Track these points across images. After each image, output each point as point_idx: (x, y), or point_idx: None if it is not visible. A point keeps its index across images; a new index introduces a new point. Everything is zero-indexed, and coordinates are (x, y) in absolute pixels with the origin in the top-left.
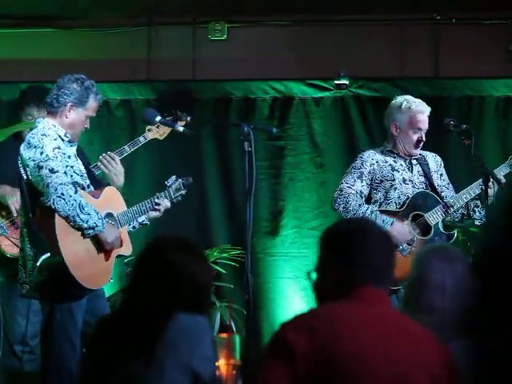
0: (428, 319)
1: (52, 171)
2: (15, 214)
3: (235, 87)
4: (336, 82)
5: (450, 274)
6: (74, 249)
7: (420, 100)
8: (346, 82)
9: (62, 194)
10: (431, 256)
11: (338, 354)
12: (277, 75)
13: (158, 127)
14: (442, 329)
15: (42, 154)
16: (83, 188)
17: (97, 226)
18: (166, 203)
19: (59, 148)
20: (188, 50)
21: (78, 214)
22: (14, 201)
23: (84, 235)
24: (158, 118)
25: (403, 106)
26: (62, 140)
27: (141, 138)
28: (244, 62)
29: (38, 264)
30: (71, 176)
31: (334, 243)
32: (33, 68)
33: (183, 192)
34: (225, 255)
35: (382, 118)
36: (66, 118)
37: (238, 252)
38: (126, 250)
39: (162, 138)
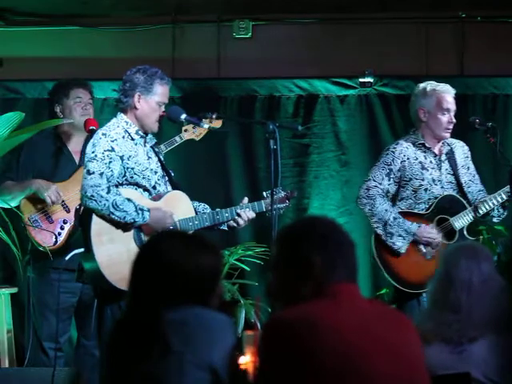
0: (454, 317)
1: (88, 172)
2: (50, 206)
3: (260, 85)
4: (361, 79)
5: (477, 272)
6: (108, 250)
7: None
8: (371, 80)
9: (92, 195)
10: (458, 254)
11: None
12: (301, 73)
13: (194, 128)
14: (469, 327)
15: (93, 152)
16: (146, 190)
17: (135, 221)
18: (249, 215)
19: (112, 150)
20: (213, 48)
21: (112, 213)
22: (50, 193)
23: (126, 232)
24: (184, 116)
25: (428, 89)
26: (132, 139)
27: (177, 138)
28: (269, 59)
29: (66, 258)
30: (131, 177)
31: (307, 243)
32: (57, 66)
33: (285, 205)
34: (249, 253)
35: (407, 116)
36: (137, 109)
37: (263, 249)
38: None
39: (198, 139)
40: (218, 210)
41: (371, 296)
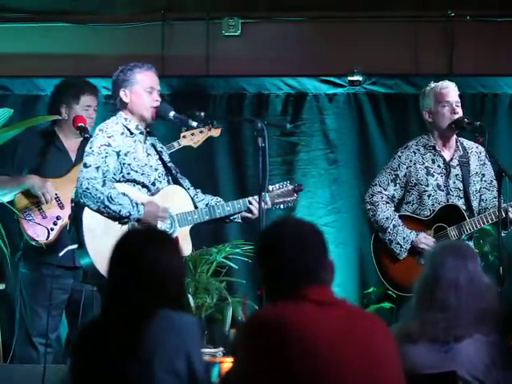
0: (441, 316)
1: (85, 166)
2: (44, 204)
3: (249, 83)
4: (349, 78)
5: (464, 271)
6: (102, 244)
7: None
8: (360, 79)
9: (87, 188)
10: (444, 253)
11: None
12: (290, 71)
13: (192, 135)
14: (455, 326)
15: (90, 147)
16: (145, 186)
17: (131, 214)
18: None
19: (109, 145)
20: (202, 46)
21: (107, 206)
22: (45, 191)
23: (122, 225)
24: (172, 114)
25: (427, 90)
26: (132, 134)
27: (175, 144)
28: (257, 57)
29: (60, 254)
30: (128, 173)
31: (279, 250)
32: (46, 63)
33: (293, 198)
34: (237, 250)
35: (396, 114)
36: (128, 103)
37: (251, 247)
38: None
39: (195, 146)
40: (229, 202)
41: (358, 295)
